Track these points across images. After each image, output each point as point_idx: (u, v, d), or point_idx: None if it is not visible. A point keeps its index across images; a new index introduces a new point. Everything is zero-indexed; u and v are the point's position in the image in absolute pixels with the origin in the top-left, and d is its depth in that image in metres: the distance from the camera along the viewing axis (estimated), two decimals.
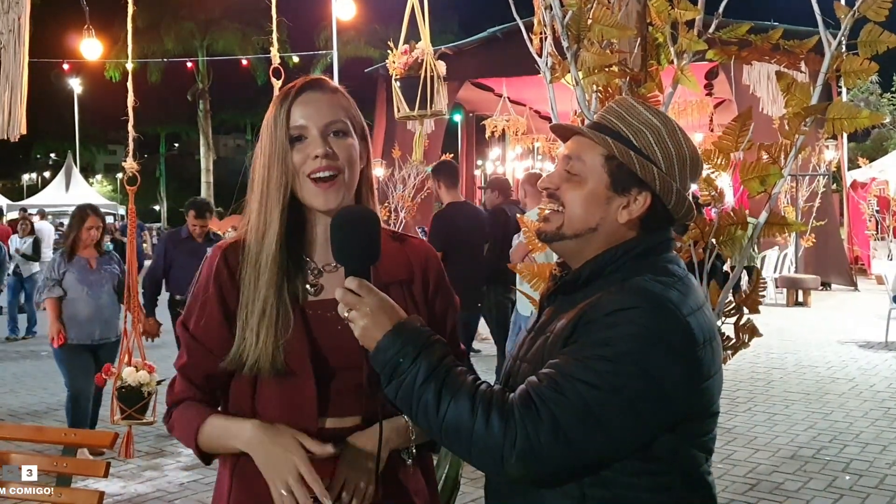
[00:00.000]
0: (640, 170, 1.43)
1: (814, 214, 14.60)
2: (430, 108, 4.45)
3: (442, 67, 4.51)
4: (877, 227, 18.16)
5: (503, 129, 16.97)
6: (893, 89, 30.26)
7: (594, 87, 2.28)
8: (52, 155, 49.14)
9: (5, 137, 3.51)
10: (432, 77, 4.41)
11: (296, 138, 1.53)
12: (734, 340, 2.21)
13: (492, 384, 1.39)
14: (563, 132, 1.57)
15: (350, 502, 1.49)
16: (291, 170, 1.52)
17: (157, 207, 43.91)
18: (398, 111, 4.65)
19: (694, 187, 2.23)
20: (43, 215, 17.50)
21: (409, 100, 4.47)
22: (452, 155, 15.45)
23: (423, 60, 4.43)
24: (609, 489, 1.36)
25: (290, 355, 1.50)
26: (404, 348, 1.35)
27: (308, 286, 1.58)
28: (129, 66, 5.03)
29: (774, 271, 14.52)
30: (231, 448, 1.52)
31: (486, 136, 17.40)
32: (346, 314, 1.39)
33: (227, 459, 1.60)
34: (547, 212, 1.52)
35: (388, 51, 4.64)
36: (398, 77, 4.51)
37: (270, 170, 1.53)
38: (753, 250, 2.24)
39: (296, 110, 1.53)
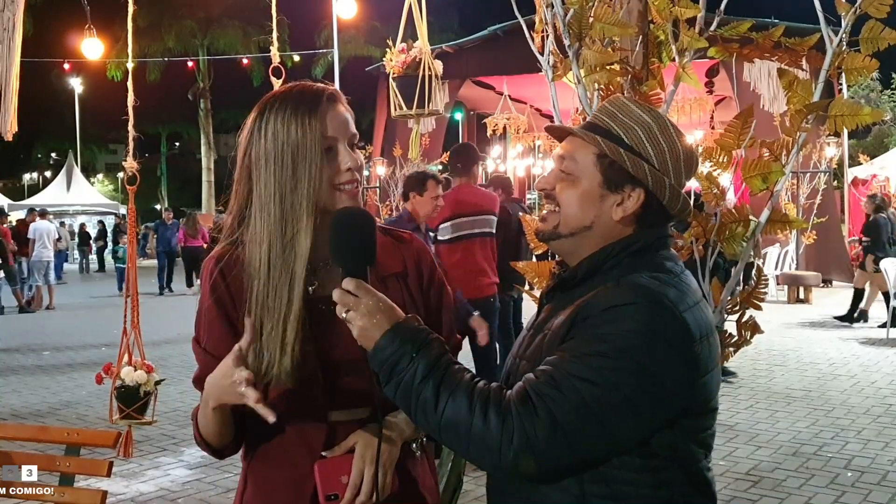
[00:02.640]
0: (632, 167, 1.44)
1: (815, 211, 14.58)
2: (428, 106, 4.46)
3: (439, 66, 4.52)
4: None
5: (504, 128, 16.99)
6: (893, 86, 30.22)
7: (596, 85, 2.28)
8: (53, 154, 49.15)
9: None
10: (430, 76, 4.41)
11: (326, 149, 1.52)
12: (736, 337, 2.22)
13: (490, 382, 1.40)
14: (558, 133, 1.59)
15: (371, 495, 1.49)
16: (324, 182, 1.51)
17: (157, 206, 43.91)
18: (395, 110, 4.65)
19: (695, 184, 2.23)
20: (44, 214, 17.50)
21: (407, 98, 4.47)
22: None
23: (420, 59, 4.44)
24: (608, 485, 1.37)
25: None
26: (402, 347, 1.36)
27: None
28: (130, 65, 5.03)
29: (776, 268, 14.52)
30: (206, 411, 1.52)
31: (488, 134, 17.44)
32: (344, 315, 1.39)
33: (244, 461, 1.61)
34: (544, 212, 1.55)
35: (388, 49, 4.65)
36: (395, 75, 4.52)
37: (299, 178, 1.49)
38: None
39: (328, 121, 1.53)
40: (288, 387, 1.49)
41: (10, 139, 3.59)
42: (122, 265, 17.30)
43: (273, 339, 1.48)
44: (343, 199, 1.53)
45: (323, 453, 1.51)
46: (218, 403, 1.48)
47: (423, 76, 4.37)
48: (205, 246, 16.19)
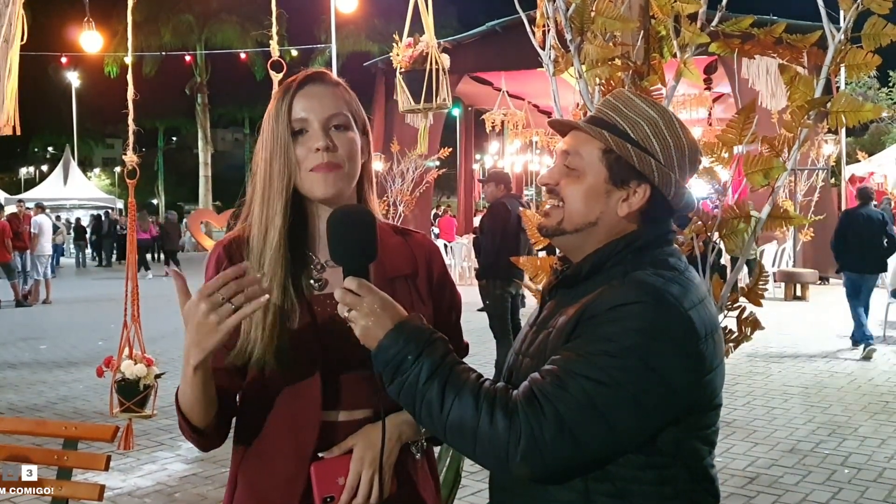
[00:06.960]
0: (638, 162, 1.43)
1: (812, 208, 14.60)
2: (435, 101, 4.45)
3: (446, 60, 4.51)
4: None
5: (502, 123, 16.96)
6: (891, 84, 30.24)
7: (597, 80, 2.27)
8: (50, 149, 49.01)
9: None
10: (437, 70, 4.40)
11: (297, 132, 1.52)
12: (736, 334, 2.22)
13: (495, 381, 1.39)
14: (561, 127, 1.57)
15: (368, 497, 1.48)
16: (293, 163, 1.51)
17: (154, 201, 43.84)
18: (402, 104, 4.63)
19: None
20: (42, 209, 17.45)
21: (414, 93, 4.46)
22: (451, 149, 15.46)
23: (427, 54, 4.43)
24: (613, 483, 1.36)
25: (298, 349, 1.49)
26: (406, 347, 1.34)
27: (312, 281, 1.57)
28: (129, 59, 5.02)
29: (773, 265, 14.53)
30: (186, 374, 1.41)
31: (486, 130, 17.40)
32: (346, 314, 1.37)
33: (234, 457, 1.60)
34: (547, 206, 1.52)
35: (395, 44, 4.63)
36: (403, 70, 4.50)
37: (272, 163, 1.52)
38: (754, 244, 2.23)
39: (297, 103, 1.52)
40: (275, 369, 1.48)
41: (11, 133, 3.60)
42: None
43: (253, 322, 1.46)
44: (315, 178, 1.51)
45: (320, 454, 1.50)
46: (198, 356, 1.35)
47: (431, 70, 4.36)
48: (151, 239, 19.76)
